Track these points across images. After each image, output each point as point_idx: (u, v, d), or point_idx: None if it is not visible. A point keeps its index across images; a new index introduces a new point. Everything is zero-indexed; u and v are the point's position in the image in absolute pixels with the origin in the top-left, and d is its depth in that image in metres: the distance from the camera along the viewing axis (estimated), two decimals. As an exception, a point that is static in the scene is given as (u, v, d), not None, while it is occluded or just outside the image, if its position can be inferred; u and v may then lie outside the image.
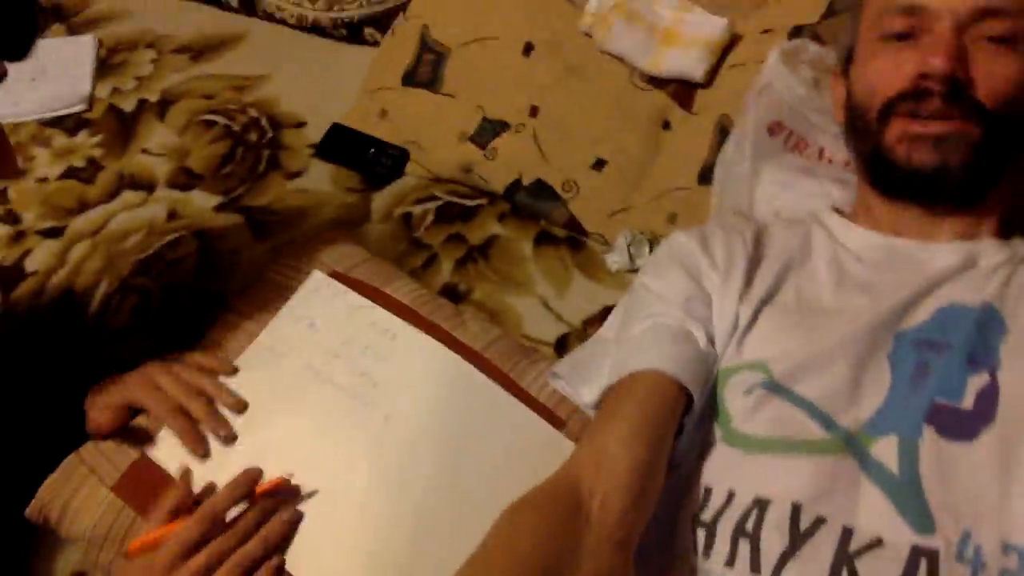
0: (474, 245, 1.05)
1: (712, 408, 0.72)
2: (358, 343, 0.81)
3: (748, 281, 0.75)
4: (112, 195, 1.16)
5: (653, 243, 1.00)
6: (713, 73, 1.05)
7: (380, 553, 0.72)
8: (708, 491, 0.69)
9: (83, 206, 1.15)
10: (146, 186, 1.17)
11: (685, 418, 0.71)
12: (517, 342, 0.89)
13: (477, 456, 0.76)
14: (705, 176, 0.99)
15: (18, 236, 1.12)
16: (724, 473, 0.68)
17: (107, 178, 1.18)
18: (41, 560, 0.83)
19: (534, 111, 1.09)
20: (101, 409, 0.79)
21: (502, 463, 0.75)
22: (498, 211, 1.09)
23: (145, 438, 0.79)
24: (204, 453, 0.77)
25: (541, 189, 1.07)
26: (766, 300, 0.74)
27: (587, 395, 0.77)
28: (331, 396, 0.78)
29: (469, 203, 1.10)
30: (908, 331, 0.68)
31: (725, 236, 0.79)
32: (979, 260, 0.71)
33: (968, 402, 0.64)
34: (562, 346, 0.94)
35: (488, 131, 1.11)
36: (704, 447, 0.71)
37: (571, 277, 1.01)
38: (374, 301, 0.84)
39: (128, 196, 1.16)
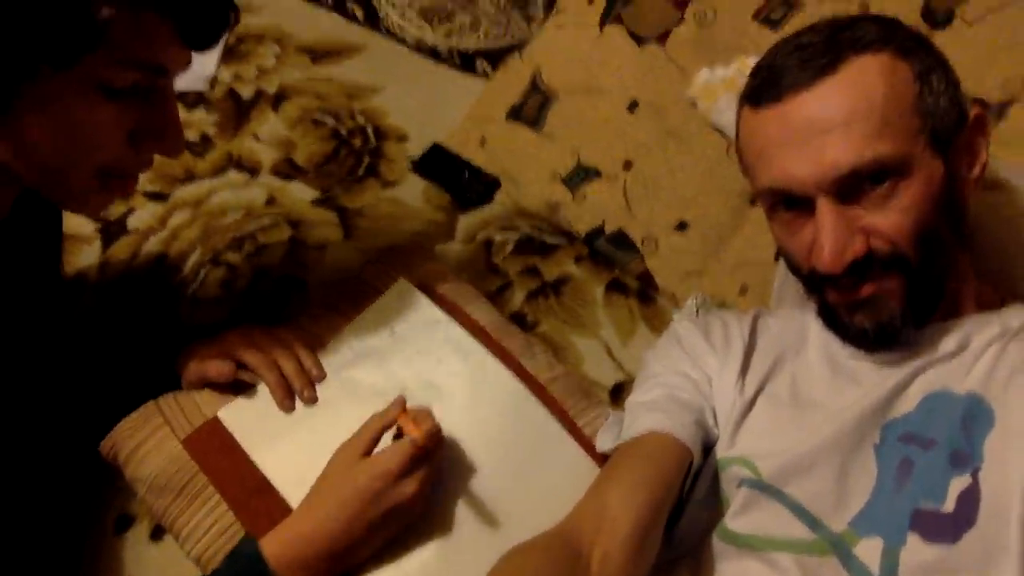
0: (548, 281, 1.09)
1: (715, 494, 0.76)
2: (432, 356, 0.85)
3: (745, 368, 0.79)
4: (218, 172, 1.23)
5: (721, 310, 1.03)
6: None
7: (415, 559, 0.75)
8: (707, 575, 0.73)
9: (189, 177, 1.22)
10: (251, 169, 1.23)
11: (687, 493, 0.75)
12: (580, 382, 0.92)
13: (524, 484, 0.79)
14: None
15: (125, 194, 1.19)
16: (721, 565, 0.73)
17: (216, 155, 1.25)
18: (92, 496, 0.88)
19: (628, 165, 1.14)
20: (207, 360, 0.83)
21: (547, 496, 0.78)
22: (575, 253, 1.12)
23: (222, 401, 0.83)
24: (290, 409, 0.83)
25: (621, 239, 1.10)
26: (760, 389, 0.78)
27: (603, 444, 0.81)
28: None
29: (549, 240, 1.14)
30: (895, 422, 0.70)
31: (724, 325, 0.84)
32: (971, 340, 0.71)
33: (950, 505, 0.65)
34: (618, 393, 0.97)
35: (580, 176, 1.15)
36: (705, 533, 0.75)
37: (636, 328, 1.04)
38: (452, 317, 0.88)
39: (232, 176, 1.22)
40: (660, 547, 0.72)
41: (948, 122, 0.71)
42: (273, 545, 0.70)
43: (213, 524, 0.77)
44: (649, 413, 0.77)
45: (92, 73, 0.63)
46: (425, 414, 0.76)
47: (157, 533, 0.82)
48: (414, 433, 0.71)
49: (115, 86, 0.65)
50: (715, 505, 0.76)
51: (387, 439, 0.75)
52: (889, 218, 0.68)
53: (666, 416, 0.75)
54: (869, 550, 0.66)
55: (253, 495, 0.77)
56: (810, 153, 0.68)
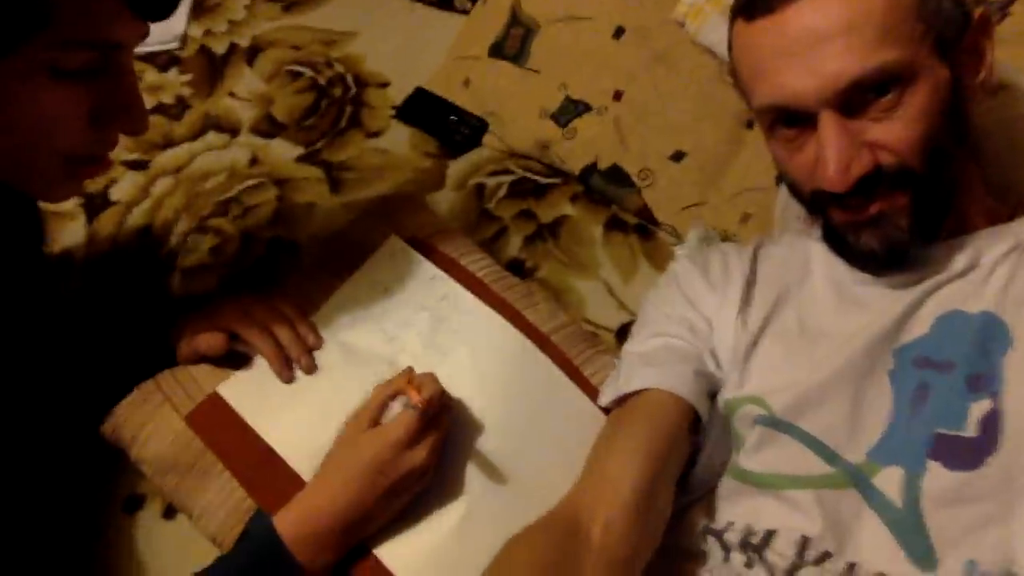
0: (544, 223, 1.06)
1: (728, 436, 0.74)
2: (430, 314, 0.83)
3: (746, 303, 0.77)
4: (197, 135, 1.19)
5: (724, 241, 1.00)
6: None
7: (430, 522, 0.74)
8: (723, 516, 0.71)
9: (168, 142, 1.18)
10: (230, 129, 1.19)
11: (699, 441, 0.73)
12: (584, 330, 0.90)
13: (533, 439, 0.78)
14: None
15: (105, 165, 1.16)
16: (737, 505, 0.71)
17: (194, 117, 1.21)
18: (100, 478, 0.88)
19: (618, 95, 1.10)
20: (199, 333, 0.81)
21: (557, 449, 0.77)
22: (571, 192, 1.09)
23: (221, 374, 0.82)
24: (289, 379, 0.81)
25: (617, 174, 1.07)
26: (766, 323, 0.75)
27: (603, 398, 0.80)
28: (402, 363, 0.79)
29: (543, 180, 1.11)
30: (908, 346, 0.68)
31: (723, 260, 0.81)
32: (982, 256, 0.69)
33: (971, 430, 0.63)
34: (623, 335, 0.95)
35: (569, 111, 1.11)
36: (720, 474, 0.73)
37: (638, 265, 1.02)
38: (448, 272, 0.86)
39: (212, 137, 1.19)
40: (676, 495, 0.71)
41: (952, 25, 0.67)
42: (286, 522, 0.69)
43: (225, 500, 0.76)
44: (645, 368, 0.75)
45: (40, 56, 0.59)
46: (429, 379, 0.74)
47: (169, 512, 0.82)
48: (416, 400, 0.70)
49: (66, 67, 0.61)
50: (729, 446, 0.75)
51: (397, 407, 0.74)
52: (895, 130, 0.65)
53: (663, 371, 0.74)
54: (889, 480, 0.64)
55: (261, 468, 0.77)
56: (810, 65, 0.64)
